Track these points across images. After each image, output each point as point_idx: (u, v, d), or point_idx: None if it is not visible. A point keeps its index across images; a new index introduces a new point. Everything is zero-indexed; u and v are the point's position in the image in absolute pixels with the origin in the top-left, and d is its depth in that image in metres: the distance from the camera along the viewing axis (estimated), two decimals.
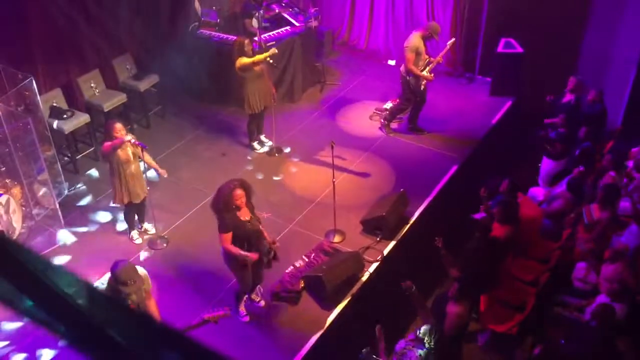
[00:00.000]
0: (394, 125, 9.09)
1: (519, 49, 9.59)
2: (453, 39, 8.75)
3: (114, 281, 4.54)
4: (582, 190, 7.01)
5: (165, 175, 6.76)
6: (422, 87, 8.52)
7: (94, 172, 8.15)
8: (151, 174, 7.27)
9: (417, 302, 5.37)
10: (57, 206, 7.02)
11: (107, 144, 6.24)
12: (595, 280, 6.03)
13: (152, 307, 4.93)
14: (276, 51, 7.82)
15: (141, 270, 4.83)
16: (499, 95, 9.86)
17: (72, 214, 7.40)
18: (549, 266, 6.42)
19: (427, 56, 8.48)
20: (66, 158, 8.19)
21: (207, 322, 4.60)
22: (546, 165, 7.93)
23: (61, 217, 7.08)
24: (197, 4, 9.75)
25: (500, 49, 9.68)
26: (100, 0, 8.51)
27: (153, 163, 6.67)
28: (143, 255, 6.87)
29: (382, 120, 9.09)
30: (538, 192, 7.56)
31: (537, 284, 6.27)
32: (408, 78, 8.49)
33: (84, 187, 7.92)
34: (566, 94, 8.27)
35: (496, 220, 6.24)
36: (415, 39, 8.33)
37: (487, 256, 5.97)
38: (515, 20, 9.49)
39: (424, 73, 8.42)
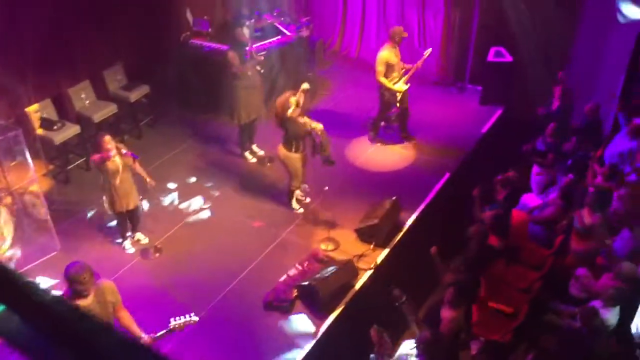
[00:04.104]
0: (380, 135, 9.08)
1: (509, 58, 9.67)
2: (430, 49, 8.75)
3: (68, 283, 4.29)
4: (574, 198, 7.05)
5: (153, 184, 6.74)
6: (398, 97, 8.51)
7: (85, 183, 8.09)
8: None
9: (409, 313, 5.35)
10: (49, 217, 6.96)
11: (96, 156, 6.26)
12: (593, 288, 5.99)
13: (125, 320, 4.66)
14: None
15: (107, 283, 4.65)
16: (489, 103, 9.93)
17: (64, 224, 7.35)
18: (542, 273, 6.43)
19: (403, 64, 8.47)
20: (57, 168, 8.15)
21: (173, 330, 4.57)
22: (537, 173, 7.96)
23: (52, 227, 7.02)
24: (188, 14, 9.77)
25: (490, 57, 9.75)
26: (90, 10, 8.50)
27: (143, 173, 6.65)
28: (135, 264, 6.83)
29: (369, 131, 9.12)
30: (530, 199, 7.59)
31: (531, 291, 6.28)
32: (382, 90, 8.52)
33: (75, 197, 7.87)
34: (554, 102, 8.36)
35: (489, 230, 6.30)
36: (383, 51, 8.32)
37: (481, 262, 5.99)
38: (505, 29, 9.56)
39: (398, 84, 8.42)
